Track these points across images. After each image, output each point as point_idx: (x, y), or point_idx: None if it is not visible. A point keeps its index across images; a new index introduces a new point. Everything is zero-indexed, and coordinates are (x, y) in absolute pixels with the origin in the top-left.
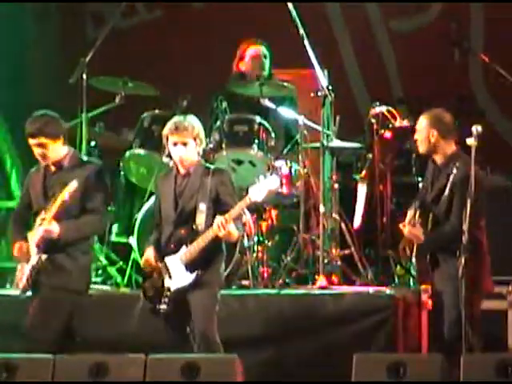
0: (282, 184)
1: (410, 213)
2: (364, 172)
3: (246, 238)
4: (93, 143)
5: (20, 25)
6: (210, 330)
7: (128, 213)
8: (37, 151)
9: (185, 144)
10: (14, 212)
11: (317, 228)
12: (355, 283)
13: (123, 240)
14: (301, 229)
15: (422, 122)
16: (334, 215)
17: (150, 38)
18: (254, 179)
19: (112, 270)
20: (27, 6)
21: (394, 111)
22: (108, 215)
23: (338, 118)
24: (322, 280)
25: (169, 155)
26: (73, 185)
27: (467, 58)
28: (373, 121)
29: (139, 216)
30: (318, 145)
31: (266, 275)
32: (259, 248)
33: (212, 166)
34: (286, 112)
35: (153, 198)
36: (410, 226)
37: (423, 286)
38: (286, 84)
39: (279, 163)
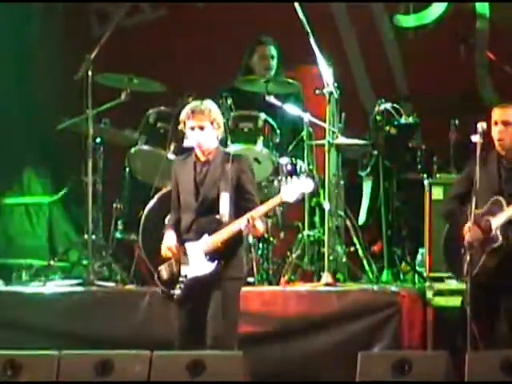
0: (287, 174)
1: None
2: (369, 169)
3: (250, 235)
4: (98, 139)
5: (25, 23)
6: (229, 334)
7: (133, 209)
8: None
9: (202, 128)
10: None
11: (322, 225)
12: (360, 280)
13: (128, 237)
14: (306, 226)
15: None
16: (339, 212)
17: (154, 36)
18: (288, 180)
19: (117, 267)
20: (32, 5)
21: (399, 108)
22: None
23: (343, 115)
24: (327, 277)
25: (176, 151)
26: None
27: (473, 55)
28: (378, 118)
29: (144, 213)
30: (323, 142)
31: (270, 272)
32: (264, 245)
33: (231, 152)
34: (292, 109)
35: (157, 196)
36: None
37: (427, 284)
38: (291, 81)
39: (284, 160)
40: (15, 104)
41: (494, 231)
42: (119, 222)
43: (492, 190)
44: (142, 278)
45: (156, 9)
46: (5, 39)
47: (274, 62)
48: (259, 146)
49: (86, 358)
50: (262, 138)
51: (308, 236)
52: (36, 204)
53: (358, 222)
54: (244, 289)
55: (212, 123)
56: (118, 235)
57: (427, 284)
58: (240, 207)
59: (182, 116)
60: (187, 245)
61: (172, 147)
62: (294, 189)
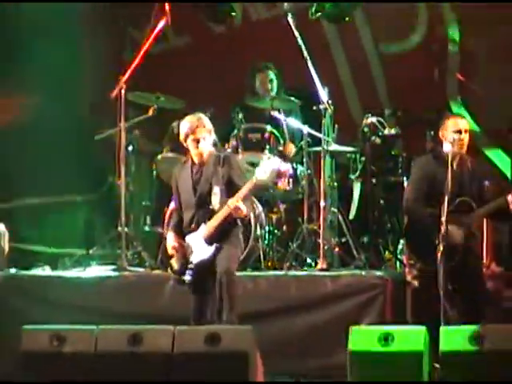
0: (288, 177)
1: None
2: (358, 172)
3: (258, 228)
4: (130, 148)
5: (72, 48)
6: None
7: (159, 206)
8: None
9: (203, 139)
10: None
11: (318, 220)
12: (350, 266)
13: (155, 229)
14: (305, 220)
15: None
16: (332, 209)
17: (176, 60)
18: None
19: (145, 255)
20: (78, 30)
21: (384, 121)
22: None
23: (336, 126)
24: (322, 263)
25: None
26: None
27: (445, 77)
28: (365, 129)
29: (169, 209)
30: (319, 149)
31: (275, 259)
32: (270, 236)
33: (221, 154)
34: (293, 122)
35: None
36: None
37: (407, 269)
38: (292, 99)
39: (286, 165)
40: (61, 117)
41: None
42: (147, 218)
43: (451, 191)
44: (167, 264)
45: (181, 36)
46: (53, 63)
47: (274, 84)
48: (265, 153)
49: (119, 331)
50: (268, 146)
51: (307, 229)
52: (79, 202)
53: (348, 217)
54: (252, 273)
55: (209, 133)
56: (146, 228)
57: (406, 269)
58: (231, 196)
59: (184, 130)
60: (187, 237)
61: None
62: (265, 168)
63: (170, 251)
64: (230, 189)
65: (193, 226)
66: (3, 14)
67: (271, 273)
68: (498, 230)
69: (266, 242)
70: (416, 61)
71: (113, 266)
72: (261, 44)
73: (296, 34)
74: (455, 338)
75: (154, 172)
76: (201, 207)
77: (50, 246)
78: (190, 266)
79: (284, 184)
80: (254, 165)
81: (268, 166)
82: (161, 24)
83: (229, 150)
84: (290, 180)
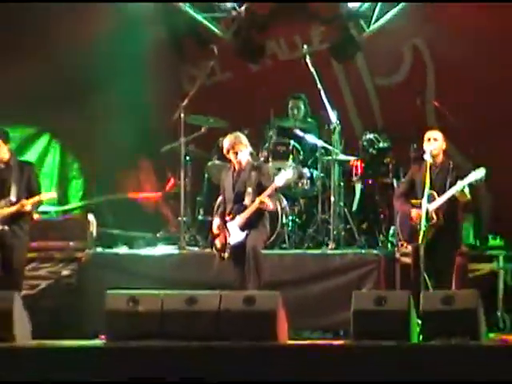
0: (306, 179)
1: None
2: (359, 176)
3: (284, 217)
4: (187, 157)
5: (142, 80)
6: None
7: (209, 201)
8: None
9: (241, 151)
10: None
11: (329, 211)
12: (353, 246)
13: (206, 218)
14: (319, 211)
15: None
16: (340, 203)
17: (223, 89)
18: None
19: (199, 238)
20: (147, 68)
21: (378, 137)
22: None
23: (343, 141)
24: (332, 244)
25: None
26: None
27: (425, 103)
28: (365, 143)
29: (216, 203)
30: (330, 158)
31: (296, 241)
32: (292, 224)
33: (255, 163)
34: (310, 138)
35: None
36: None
37: (396, 248)
38: (310, 120)
39: (305, 170)
40: (135, 135)
41: (432, 213)
42: (200, 209)
43: (427, 187)
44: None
45: (224, 73)
46: (128, 94)
47: (301, 110)
48: (290, 162)
49: (179, 295)
50: (291, 156)
51: (320, 218)
52: (149, 197)
53: (352, 209)
54: (279, 251)
55: (245, 147)
56: (200, 217)
57: (396, 248)
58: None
59: (226, 145)
60: (228, 224)
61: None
62: (281, 177)
63: (215, 230)
64: (260, 189)
65: (231, 216)
66: (87, 59)
67: (293, 251)
68: (465, 217)
69: (290, 227)
70: (402, 91)
71: (174, 246)
72: (286, 78)
73: (312, 70)
74: (432, 300)
75: (206, 175)
76: (237, 202)
77: (127, 230)
78: (228, 246)
79: (303, 184)
80: (280, 169)
81: (284, 175)
82: (210, 63)
83: (261, 159)
84: (308, 181)
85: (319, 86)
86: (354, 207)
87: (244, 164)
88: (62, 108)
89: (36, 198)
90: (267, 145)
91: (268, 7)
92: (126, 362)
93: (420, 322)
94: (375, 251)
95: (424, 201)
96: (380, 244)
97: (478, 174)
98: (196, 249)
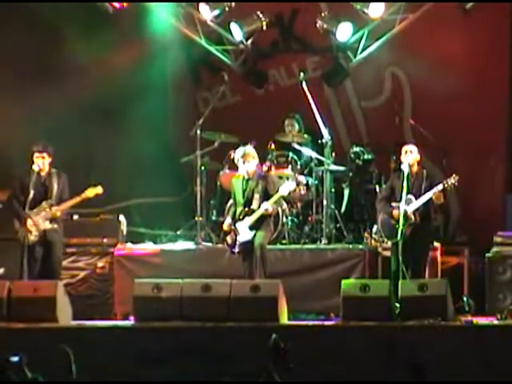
0: (301, 186)
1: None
2: (347, 183)
3: (284, 217)
4: (202, 167)
5: (162, 102)
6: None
7: (221, 204)
8: None
9: (249, 162)
10: None
11: (322, 212)
12: (342, 242)
13: (218, 219)
14: (313, 213)
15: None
16: (331, 206)
17: (233, 110)
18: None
19: (213, 235)
20: (166, 92)
21: (363, 150)
22: None
23: (333, 154)
24: (324, 240)
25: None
26: None
27: (402, 122)
28: (352, 155)
29: (227, 206)
30: (323, 168)
31: (295, 237)
32: (291, 223)
33: (262, 172)
34: (306, 151)
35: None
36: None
37: (378, 243)
38: (305, 136)
39: (301, 177)
40: (157, 148)
41: (409, 214)
42: (214, 211)
43: (404, 192)
44: (224, 241)
45: (234, 96)
46: (151, 114)
47: (294, 127)
48: (288, 170)
49: (196, 283)
50: (290, 166)
51: (315, 218)
52: (169, 201)
53: (340, 211)
54: (280, 246)
55: (253, 158)
56: (213, 218)
57: (378, 244)
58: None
59: (237, 156)
60: (238, 224)
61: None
62: (285, 187)
63: (226, 228)
64: (266, 196)
65: (240, 217)
66: (117, 85)
67: (292, 246)
68: (437, 217)
69: (289, 226)
70: (384, 111)
71: (192, 242)
72: (286, 101)
73: (307, 94)
74: (408, 287)
75: (218, 183)
76: (246, 206)
77: (152, 228)
78: (237, 243)
79: (300, 190)
80: (281, 178)
81: (288, 186)
82: (221, 88)
83: (266, 168)
84: (304, 187)
85: (313, 107)
86: (343, 209)
87: (251, 173)
88: (97, 126)
89: (70, 202)
90: (270, 156)
91: (270, 40)
92: (151, 340)
93: (398, 305)
94: (361, 246)
95: (402, 203)
96: (365, 240)
97: (451, 179)
98: (210, 244)
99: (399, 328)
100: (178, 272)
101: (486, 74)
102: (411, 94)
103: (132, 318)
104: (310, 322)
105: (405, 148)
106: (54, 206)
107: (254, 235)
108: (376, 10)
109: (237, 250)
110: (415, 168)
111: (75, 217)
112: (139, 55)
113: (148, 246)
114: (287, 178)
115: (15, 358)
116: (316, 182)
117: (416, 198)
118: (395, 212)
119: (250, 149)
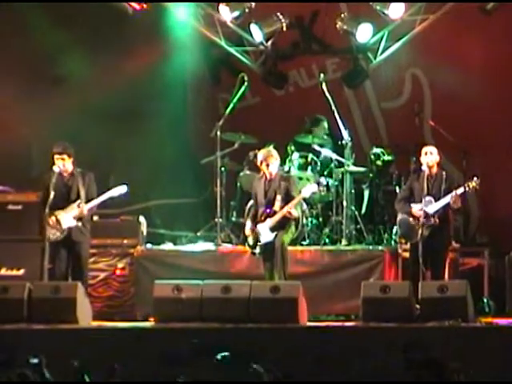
0: (324, 187)
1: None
2: (367, 184)
3: (304, 219)
4: (223, 168)
5: (184, 100)
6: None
7: (241, 205)
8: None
9: (272, 163)
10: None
11: (342, 213)
12: (362, 243)
13: (238, 220)
14: (334, 214)
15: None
16: (351, 207)
17: (252, 111)
18: (306, 184)
19: (233, 236)
20: (187, 94)
21: (383, 151)
22: None
23: (353, 154)
24: (344, 241)
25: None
26: None
27: (423, 123)
28: (372, 157)
29: (247, 207)
30: (343, 169)
31: (315, 238)
32: (311, 224)
33: (285, 174)
34: (326, 152)
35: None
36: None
37: (399, 245)
38: (325, 137)
39: (322, 179)
40: (178, 149)
41: (431, 215)
42: (234, 212)
43: (424, 193)
44: (245, 242)
45: (254, 97)
46: (172, 116)
47: (323, 129)
48: (309, 171)
49: (216, 284)
50: (310, 167)
51: (335, 219)
52: (190, 202)
53: (361, 212)
54: (300, 247)
55: (276, 159)
56: (233, 219)
57: (398, 245)
58: (288, 202)
59: (260, 158)
60: (258, 225)
61: (261, 172)
62: (307, 189)
63: (247, 233)
64: (287, 197)
65: (262, 218)
66: (141, 86)
67: (312, 247)
68: (456, 219)
69: (309, 227)
70: (403, 113)
71: (212, 243)
72: (306, 102)
73: (327, 95)
74: (428, 289)
75: (238, 184)
76: (267, 207)
77: (172, 229)
78: (259, 244)
79: (321, 191)
80: (301, 179)
81: (310, 188)
82: (242, 89)
83: (286, 169)
84: (325, 189)
85: (333, 108)
86: (363, 210)
87: (274, 174)
88: (117, 128)
89: (94, 202)
90: (290, 157)
91: (290, 42)
92: (171, 341)
93: (418, 307)
94: (381, 247)
95: (422, 205)
96: (385, 241)
97: (473, 183)
98: (230, 245)
99: (419, 329)
100: (198, 273)
101: (507, 74)
102: (431, 95)
103: (152, 319)
104: (330, 324)
105: (425, 149)
106: (82, 205)
107: (275, 236)
108: (396, 11)
109: (258, 251)
110: (435, 169)
111: (95, 218)
112: (159, 57)
113: (168, 247)
114: (307, 180)
115: (35, 360)
116: (336, 183)
117: (435, 200)
118: (414, 211)
119: (273, 150)
